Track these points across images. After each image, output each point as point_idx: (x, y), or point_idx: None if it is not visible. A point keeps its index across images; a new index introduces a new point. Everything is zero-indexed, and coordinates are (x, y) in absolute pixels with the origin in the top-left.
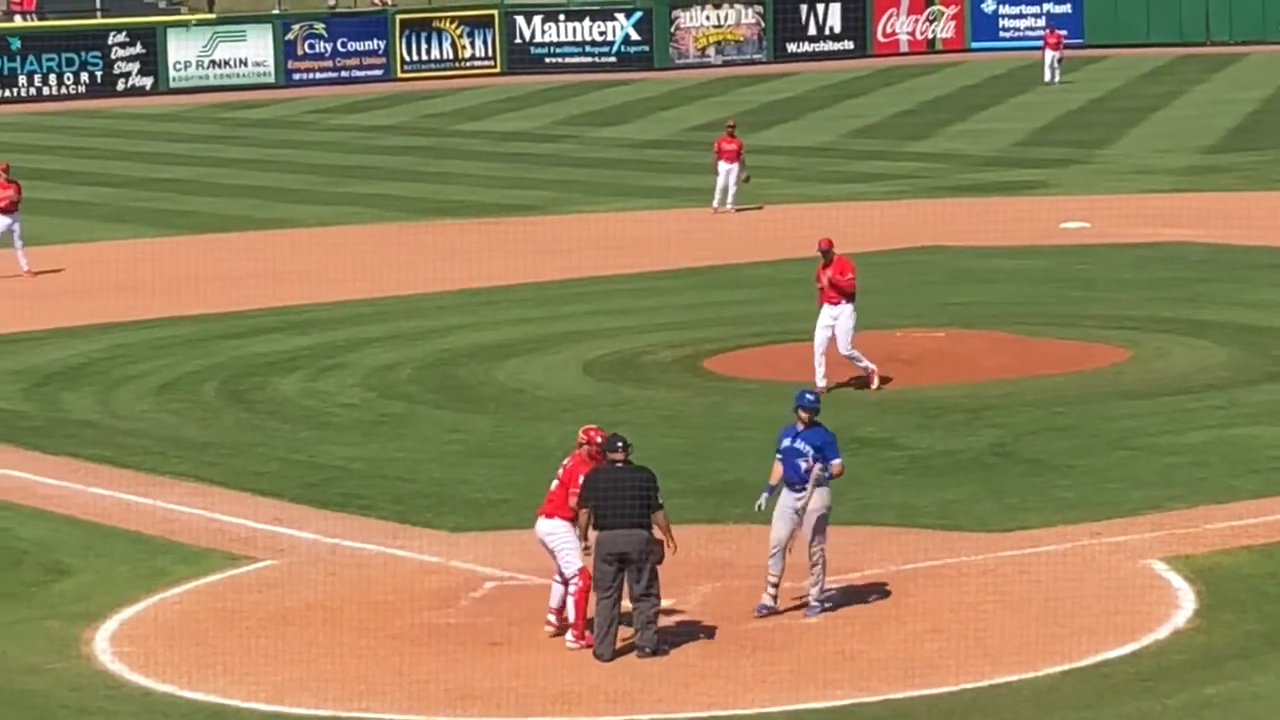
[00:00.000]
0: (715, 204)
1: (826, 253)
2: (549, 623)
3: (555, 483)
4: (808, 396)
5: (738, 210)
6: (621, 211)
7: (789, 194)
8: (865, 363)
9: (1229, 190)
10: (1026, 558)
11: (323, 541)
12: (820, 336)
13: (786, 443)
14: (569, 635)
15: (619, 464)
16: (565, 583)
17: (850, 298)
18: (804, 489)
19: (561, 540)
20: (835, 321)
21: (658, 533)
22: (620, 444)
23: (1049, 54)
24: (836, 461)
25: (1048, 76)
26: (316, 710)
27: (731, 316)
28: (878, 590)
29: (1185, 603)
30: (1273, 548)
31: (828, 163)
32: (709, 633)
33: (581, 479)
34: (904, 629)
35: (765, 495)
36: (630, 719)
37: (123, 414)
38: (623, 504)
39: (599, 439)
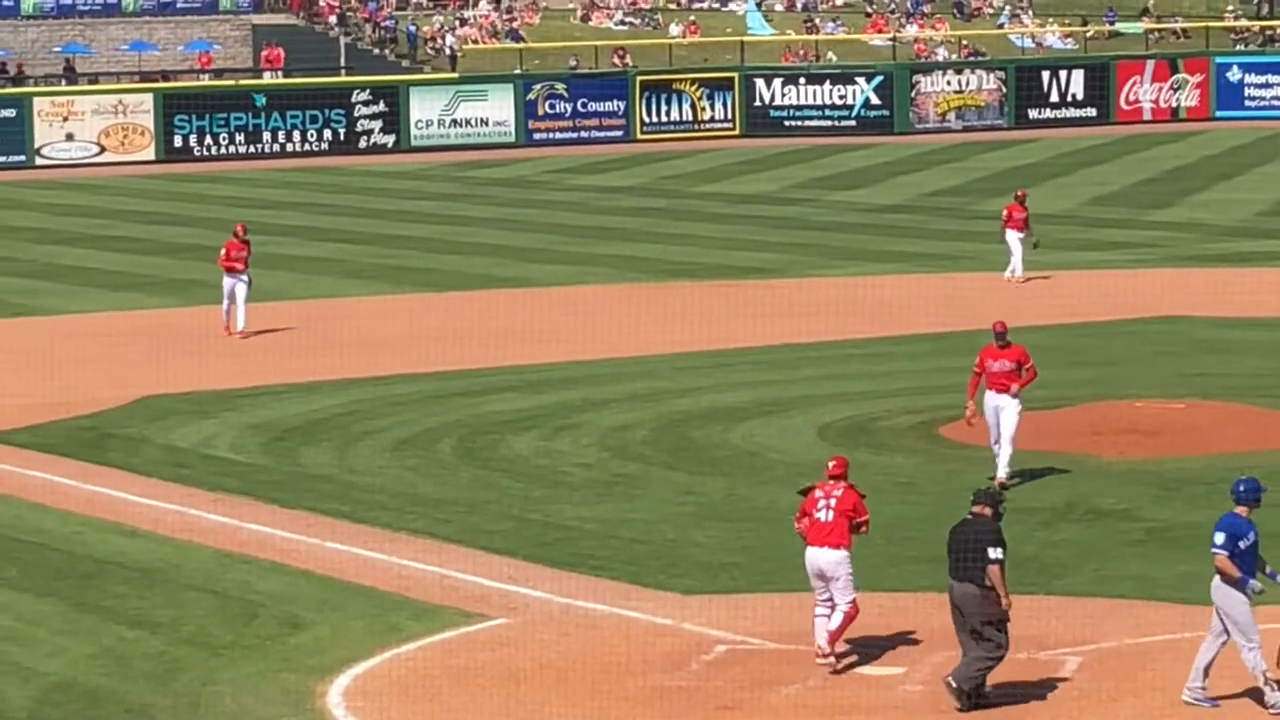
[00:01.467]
0: (1011, 272)
1: (1003, 336)
2: (821, 655)
3: (829, 514)
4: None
5: (1026, 279)
6: (858, 276)
7: (1030, 261)
8: (1007, 464)
9: None
10: (1267, 634)
11: (555, 601)
12: (995, 431)
13: (1252, 537)
14: (825, 642)
15: (970, 516)
16: (831, 610)
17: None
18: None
19: (846, 570)
20: (1002, 412)
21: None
22: (979, 497)
23: None
24: None
25: None
26: None
27: (965, 383)
28: (1114, 663)
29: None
30: None
31: (1068, 230)
32: (941, 703)
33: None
34: (1141, 704)
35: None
36: None
37: (359, 469)
38: (959, 556)
39: (832, 463)
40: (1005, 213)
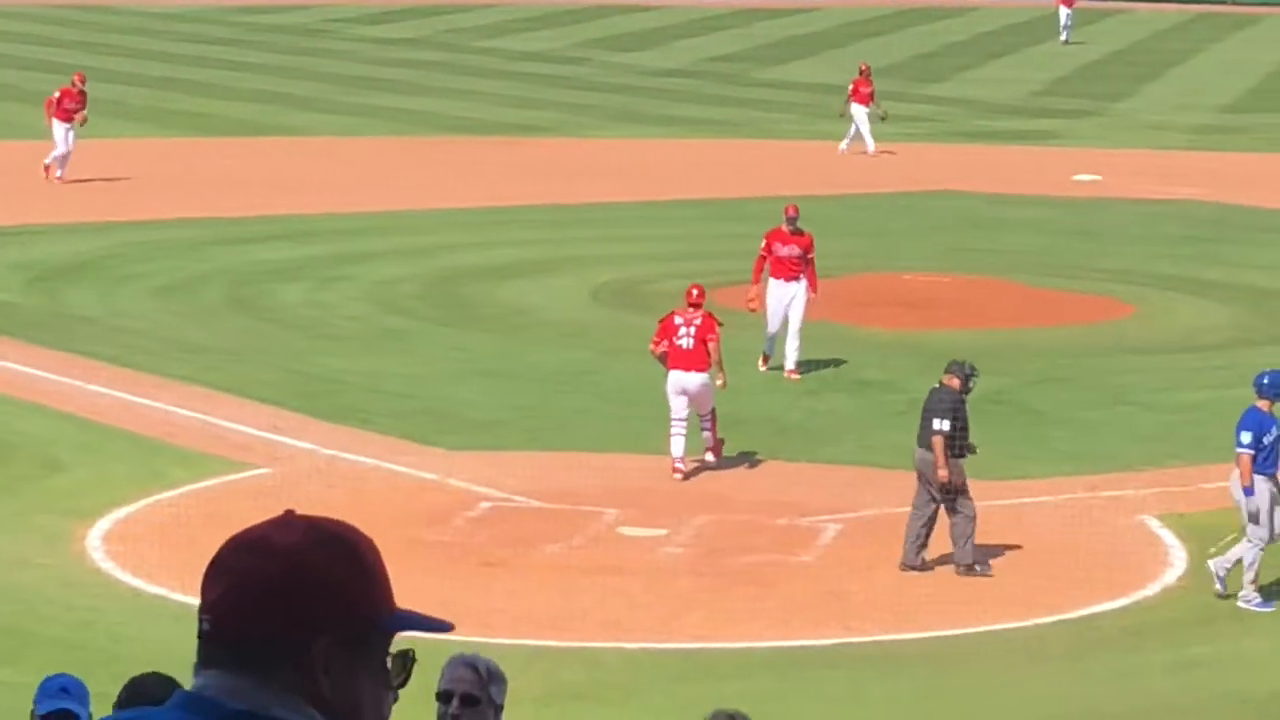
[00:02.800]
0: (847, 144)
1: (794, 221)
2: (677, 470)
3: (690, 340)
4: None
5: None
6: (633, 138)
7: (804, 130)
8: (797, 354)
9: (1243, 151)
10: (1022, 507)
11: (320, 452)
12: (777, 320)
13: (1275, 432)
14: (711, 456)
15: (939, 385)
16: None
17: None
18: None
19: (709, 389)
20: (793, 299)
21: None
22: (951, 368)
23: (1063, 11)
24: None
25: (1063, 37)
26: None
27: (740, 250)
28: (872, 531)
29: (1177, 560)
30: None
31: (841, 101)
32: (701, 565)
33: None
34: (896, 571)
35: None
36: (617, 645)
37: (125, 313)
38: (923, 423)
39: (694, 290)
40: (851, 86)
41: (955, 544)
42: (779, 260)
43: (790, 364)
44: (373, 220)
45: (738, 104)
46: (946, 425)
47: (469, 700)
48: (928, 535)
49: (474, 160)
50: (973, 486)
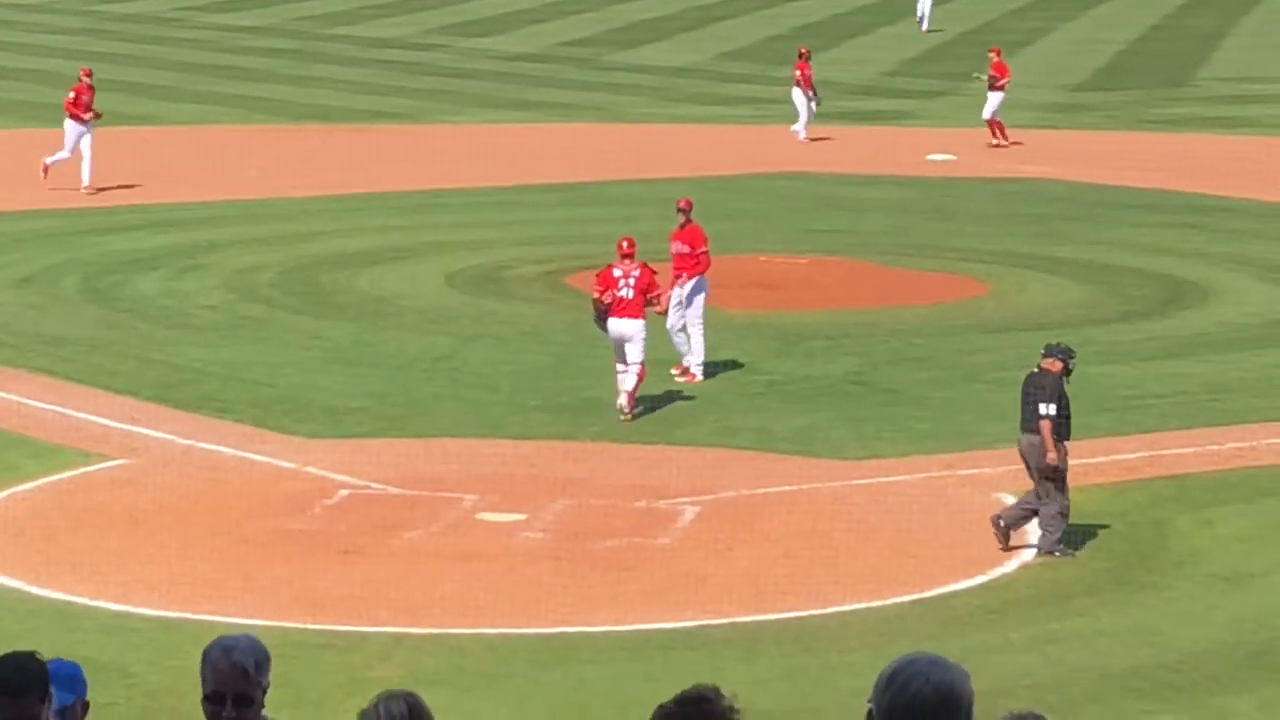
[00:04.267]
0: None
1: (686, 213)
2: (624, 410)
3: (630, 291)
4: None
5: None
6: (489, 124)
7: (656, 114)
8: (698, 355)
9: (1093, 129)
10: (879, 486)
11: (177, 442)
12: (674, 317)
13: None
14: (625, 403)
15: (1038, 370)
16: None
17: (705, 269)
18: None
19: (642, 335)
20: (684, 296)
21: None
22: (1050, 350)
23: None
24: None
25: (924, 26)
26: (163, 611)
27: (596, 234)
28: (730, 513)
29: (1034, 538)
30: (1122, 486)
31: (695, 84)
32: (560, 550)
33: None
34: (755, 553)
35: None
36: (478, 632)
37: None
38: (1025, 408)
39: (624, 243)
40: (797, 71)
41: (1044, 530)
42: (673, 258)
43: (697, 366)
44: (229, 209)
45: (592, 88)
46: (1053, 409)
47: (243, 700)
48: (1032, 514)
49: (329, 148)
50: (831, 465)
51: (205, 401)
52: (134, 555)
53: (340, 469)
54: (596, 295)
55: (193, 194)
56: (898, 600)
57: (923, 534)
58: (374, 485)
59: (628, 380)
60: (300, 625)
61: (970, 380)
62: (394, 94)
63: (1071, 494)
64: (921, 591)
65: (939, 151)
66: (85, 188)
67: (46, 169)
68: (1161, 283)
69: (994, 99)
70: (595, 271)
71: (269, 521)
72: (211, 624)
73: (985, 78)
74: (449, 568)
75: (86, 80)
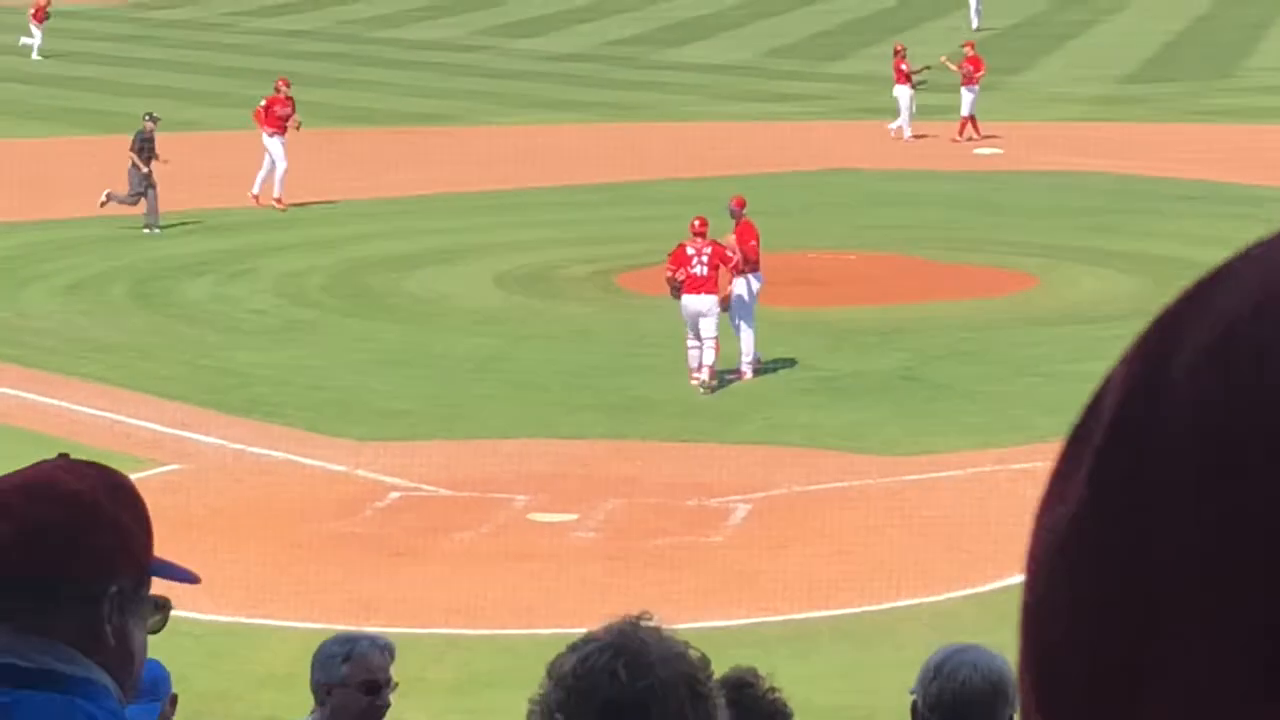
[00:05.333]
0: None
1: (737, 214)
2: (706, 384)
3: (704, 268)
4: None
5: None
6: (537, 124)
7: (705, 112)
8: (748, 353)
9: (1142, 121)
10: (931, 482)
11: (228, 447)
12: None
13: None
14: (707, 377)
15: None
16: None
17: (755, 267)
18: None
19: (716, 311)
20: (741, 292)
21: None
22: None
23: None
24: None
25: (974, 23)
26: (217, 616)
27: (646, 233)
28: (782, 510)
29: None
30: None
31: (744, 81)
32: (612, 549)
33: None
34: (807, 550)
35: None
36: (531, 632)
37: (30, 313)
38: None
39: (697, 221)
40: (897, 68)
41: None
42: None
43: (747, 366)
44: (277, 213)
45: (639, 87)
46: None
47: (391, 686)
48: None
49: (376, 151)
50: (883, 460)
51: (256, 406)
52: (186, 560)
53: (391, 471)
54: (670, 273)
55: (240, 199)
56: (951, 596)
57: (975, 529)
58: (425, 487)
59: (707, 354)
60: (354, 628)
61: (1021, 374)
62: (441, 96)
63: None
64: (975, 586)
65: (986, 145)
66: (276, 199)
67: (256, 198)
68: None
69: (969, 95)
70: (647, 269)
71: (321, 525)
72: (264, 628)
73: (956, 71)
74: (501, 569)
75: (285, 91)
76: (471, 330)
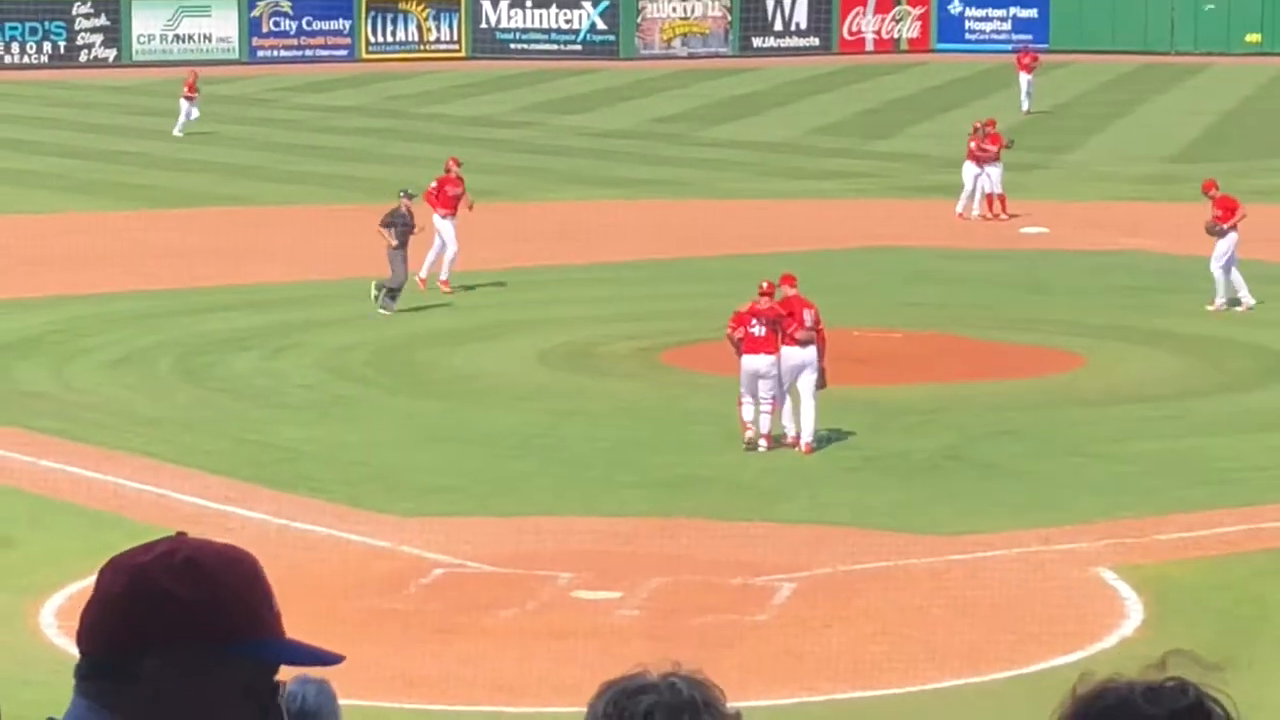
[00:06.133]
0: (965, 207)
1: (787, 291)
2: (755, 437)
3: (762, 329)
4: None
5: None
6: (582, 200)
7: (751, 189)
8: (809, 430)
9: (1189, 200)
10: (976, 561)
11: (272, 522)
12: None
13: None
14: (765, 444)
15: None
16: (772, 403)
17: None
18: None
19: (775, 371)
20: (805, 368)
21: None
22: None
23: (1023, 78)
24: None
25: (1025, 106)
26: None
27: (690, 309)
28: (827, 590)
29: (1133, 612)
30: (1222, 560)
31: (790, 159)
32: (656, 628)
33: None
34: (852, 630)
35: None
36: (575, 710)
37: (76, 387)
38: None
39: (764, 284)
40: (972, 144)
41: None
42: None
43: (807, 436)
44: (323, 288)
45: (683, 164)
46: None
47: None
48: None
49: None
50: (928, 540)
51: (300, 481)
52: None
53: (435, 548)
54: (729, 331)
55: (287, 274)
56: (996, 677)
57: (1020, 609)
58: (469, 564)
59: (764, 421)
60: (397, 705)
61: (1067, 453)
62: (486, 171)
63: (1169, 567)
64: (1020, 668)
65: (1032, 224)
66: (443, 282)
67: (444, 282)
68: (1261, 355)
69: (996, 172)
70: (691, 346)
71: (364, 601)
72: None
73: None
74: (544, 646)
75: (456, 170)
76: (515, 406)
